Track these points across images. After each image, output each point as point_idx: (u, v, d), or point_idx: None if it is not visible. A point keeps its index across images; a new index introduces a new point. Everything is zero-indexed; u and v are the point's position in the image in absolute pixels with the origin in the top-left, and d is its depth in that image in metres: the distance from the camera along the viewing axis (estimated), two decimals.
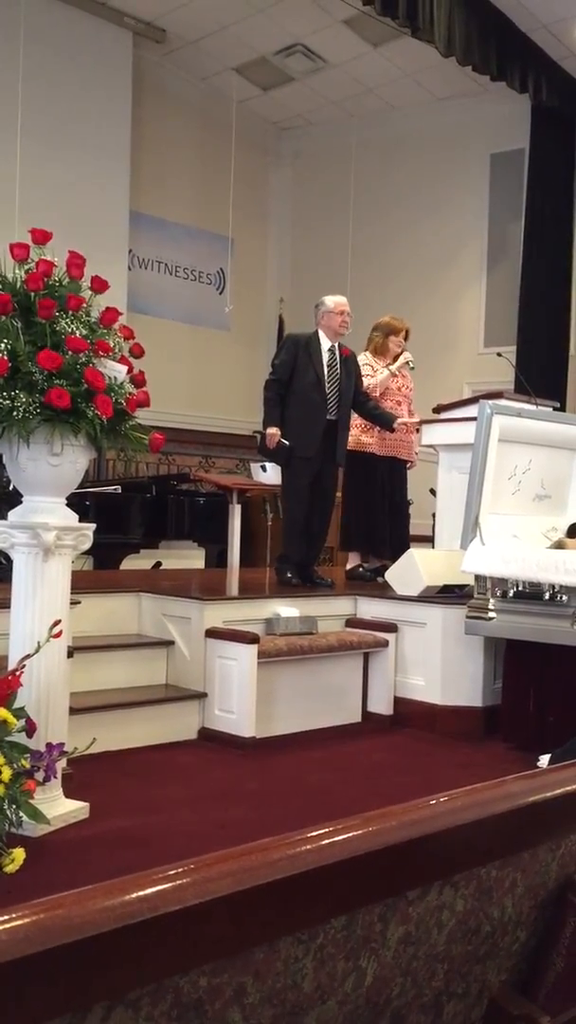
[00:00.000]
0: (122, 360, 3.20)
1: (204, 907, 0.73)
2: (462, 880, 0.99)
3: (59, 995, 0.66)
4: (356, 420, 5.84)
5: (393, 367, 5.98)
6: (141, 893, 0.71)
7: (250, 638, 4.41)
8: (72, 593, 3.42)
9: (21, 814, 2.87)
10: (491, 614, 4.47)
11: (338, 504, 6.10)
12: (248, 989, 0.80)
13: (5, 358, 2.92)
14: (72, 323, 3.04)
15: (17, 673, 3.05)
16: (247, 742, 4.34)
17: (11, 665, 3.13)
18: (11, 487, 3.47)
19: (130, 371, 3.22)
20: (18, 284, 3.04)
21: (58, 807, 3.21)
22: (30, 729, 3.02)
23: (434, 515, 5.93)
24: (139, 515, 7.08)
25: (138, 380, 3.26)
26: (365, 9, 7.95)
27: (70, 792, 3.33)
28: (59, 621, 3.15)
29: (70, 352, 2.99)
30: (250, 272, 11.52)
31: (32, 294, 3.02)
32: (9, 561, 3.33)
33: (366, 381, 5.81)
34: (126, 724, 4.22)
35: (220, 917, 0.75)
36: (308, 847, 0.83)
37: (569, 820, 1.11)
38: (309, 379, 5.39)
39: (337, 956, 0.87)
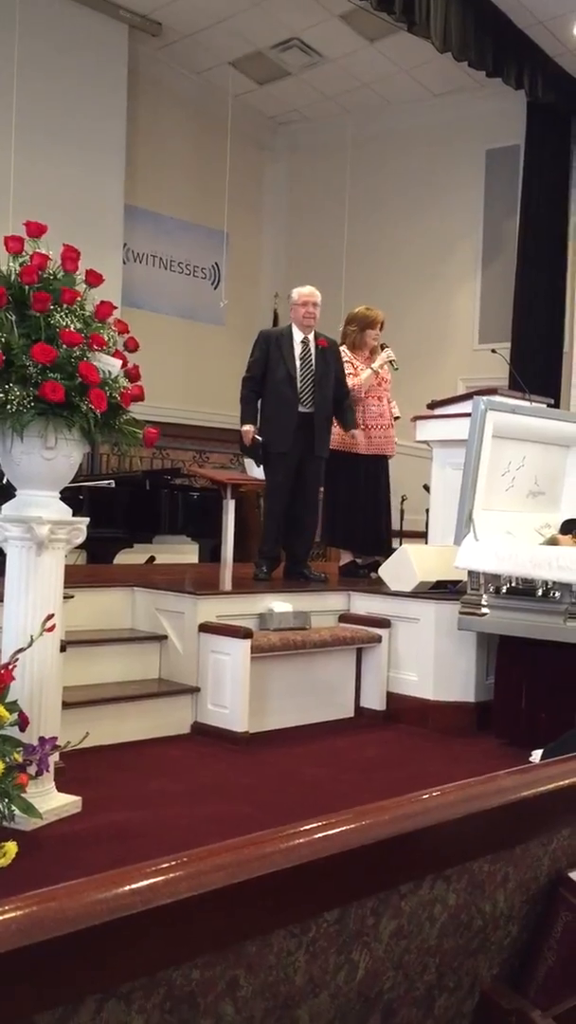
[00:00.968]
0: (116, 354, 3.20)
1: (197, 900, 0.73)
2: (454, 874, 0.99)
3: (51, 988, 0.66)
4: None
5: (375, 365, 5.85)
6: (134, 886, 0.71)
7: (243, 633, 4.41)
8: (65, 587, 3.42)
9: (13, 808, 2.87)
10: (484, 610, 4.48)
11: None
12: (241, 982, 0.80)
13: None
14: (67, 317, 3.03)
15: (10, 667, 3.04)
16: (240, 737, 4.35)
17: (4, 659, 3.13)
18: (4, 481, 3.46)
19: (124, 365, 3.22)
20: (12, 277, 3.04)
21: (50, 801, 3.21)
22: (23, 723, 3.02)
23: (428, 511, 5.93)
24: (133, 509, 7.08)
25: (132, 374, 3.26)
26: (362, 4, 7.94)
27: (63, 786, 3.33)
28: (52, 615, 3.15)
29: (64, 346, 2.98)
30: (245, 267, 11.51)
31: (26, 287, 3.01)
32: (2, 555, 3.32)
33: (349, 381, 5.72)
34: (119, 718, 4.23)
35: (213, 910, 0.75)
36: (301, 841, 0.83)
37: (560, 815, 1.12)
38: (280, 374, 5.36)
39: (329, 949, 0.88)
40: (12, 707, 2.98)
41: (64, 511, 3.26)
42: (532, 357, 9.25)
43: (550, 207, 9.60)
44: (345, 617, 5.16)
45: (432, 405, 5.64)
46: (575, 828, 1.15)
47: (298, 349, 5.42)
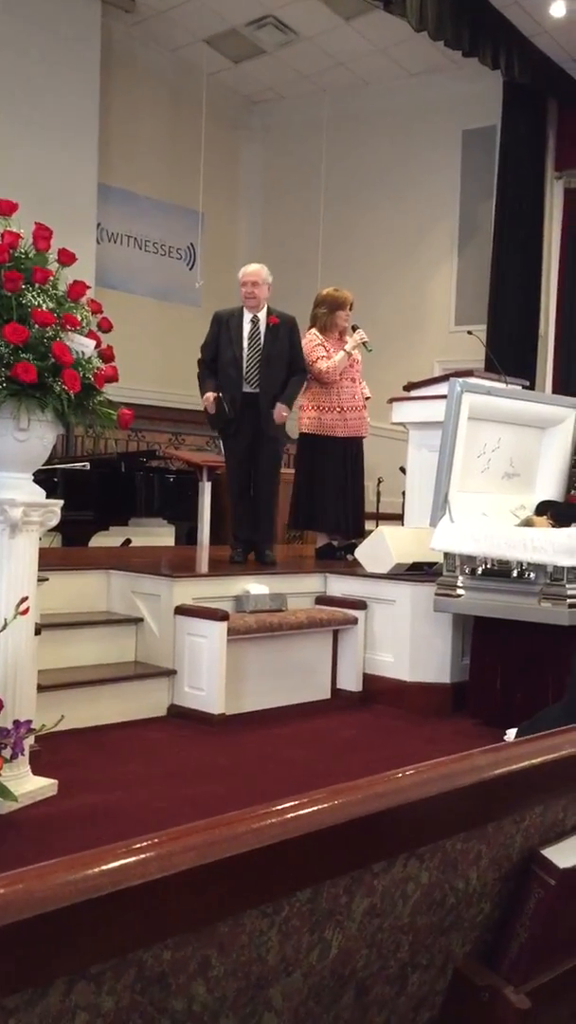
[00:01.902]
0: (90, 334, 3.16)
1: (167, 881, 0.72)
2: (427, 852, 0.99)
3: (20, 970, 0.65)
4: (318, 402, 5.78)
5: (348, 347, 5.78)
6: (103, 867, 0.70)
7: (220, 615, 4.40)
8: (40, 570, 3.39)
9: None
10: (460, 591, 4.49)
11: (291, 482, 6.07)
12: (212, 962, 0.80)
13: None
14: (39, 296, 3.00)
15: None
16: (216, 719, 4.35)
17: None
18: None
19: (98, 345, 3.19)
20: None
21: (26, 784, 3.20)
22: None
23: (404, 493, 5.94)
24: (108, 492, 7.04)
25: (106, 355, 3.23)
26: None
27: (38, 769, 3.32)
28: (26, 598, 3.13)
29: (37, 326, 2.95)
30: (221, 247, 11.44)
31: None
32: None
33: (321, 364, 5.67)
34: (95, 701, 4.21)
35: (183, 891, 0.74)
36: (273, 820, 0.83)
37: (533, 793, 1.12)
38: (227, 355, 5.34)
39: (302, 929, 0.88)
40: None
41: (38, 493, 3.23)
42: (508, 339, 9.27)
43: (526, 188, 9.60)
44: (321, 599, 5.16)
45: (408, 387, 5.64)
46: (548, 806, 1.16)
47: (247, 328, 5.38)
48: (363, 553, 5.19)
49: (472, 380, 4.87)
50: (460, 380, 4.62)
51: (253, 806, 0.84)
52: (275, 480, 5.57)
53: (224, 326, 5.41)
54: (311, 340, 5.78)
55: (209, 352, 5.44)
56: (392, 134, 10.65)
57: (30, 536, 3.23)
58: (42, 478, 3.35)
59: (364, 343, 5.85)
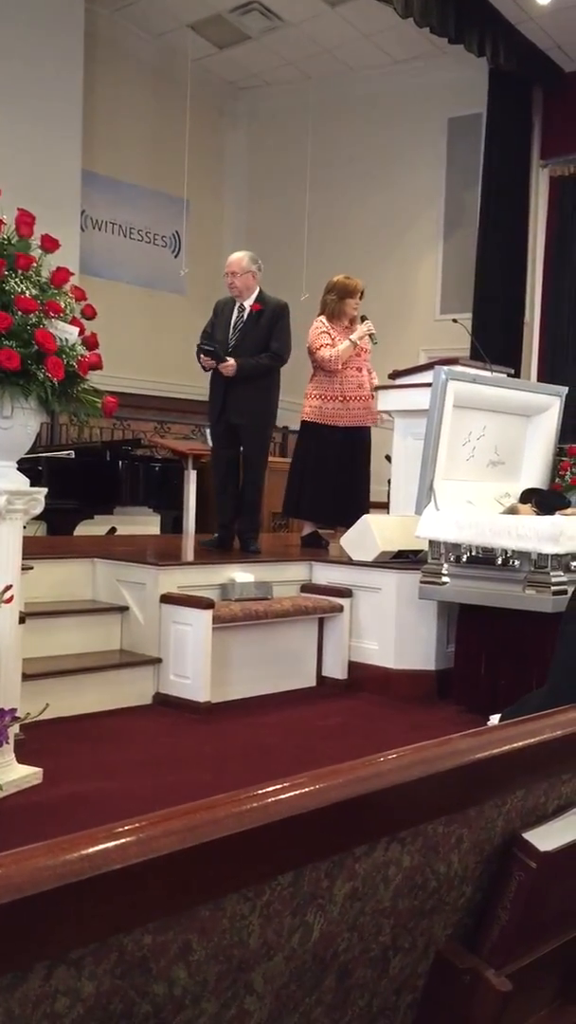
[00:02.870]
0: (73, 322, 3.14)
1: (148, 865, 0.72)
2: (408, 836, 0.99)
3: None
4: (321, 390, 5.75)
5: (354, 337, 5.73)
6: (83, 852, 0.70)
7: (205, 603, 4.40)
8: (25, 559, 3.38)
9: None
10: (445, 579, 4.51)
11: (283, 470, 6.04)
12: (194, 946, 0.80)
13: None
14: (22, 283, 2.97)
15: None
16: (202, 707, 4.35)
17: None
18: None
19: (82, 333, 3.17)
20: None
21: (10, 773, 3.20)
22: None
23: (389, 481, 5.94)
24: (93, 480, 7.02)
25: (90, 342, 3.21)
26: None
27: (23, 758, 3.32)
28: (10, 586, 3.12)
29: (20, 312, 2.93)
30: (206, 235, 11.39)
31: None
32: None
33: (324, 352, 5.66)
34: (80, 690, 4.21)
35: (164, 875, 0.74)
36: (254, 805, 0.83)
37: (514, 776, 1.12)
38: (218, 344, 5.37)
39: (284, 912, 0.88)
40: None
41: (21, 481, 3.22)
42: (493, 327, 9.27)
43: (512, 176, 9.59)
44: (307, 587, 5.17)
45: (394, 375, 5.63)
46: (529, 789, 1.16)
47: (235, 316, 5.42)
48: (348, 541, 5.20)
49: (457, 368, 4.87)
50: (445, 368, 4.63)
51: (233, 791, 0.85)
52: (259, 469, 5.54)
53: (219, 314, 5.47)
54: (317, 327, 5.77)
55: (205, 339, 5.47)
56: (377, 121, 10.62)
57: (14, 524, 3.22)
58: (27, 466, 3.33)
59: (371, 335, 5.79)
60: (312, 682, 5.04)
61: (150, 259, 10.89)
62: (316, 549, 5.80)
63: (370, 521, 5.13)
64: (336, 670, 5.04)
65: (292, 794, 0.86)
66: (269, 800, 0.84)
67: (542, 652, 4.26)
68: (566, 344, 9.48)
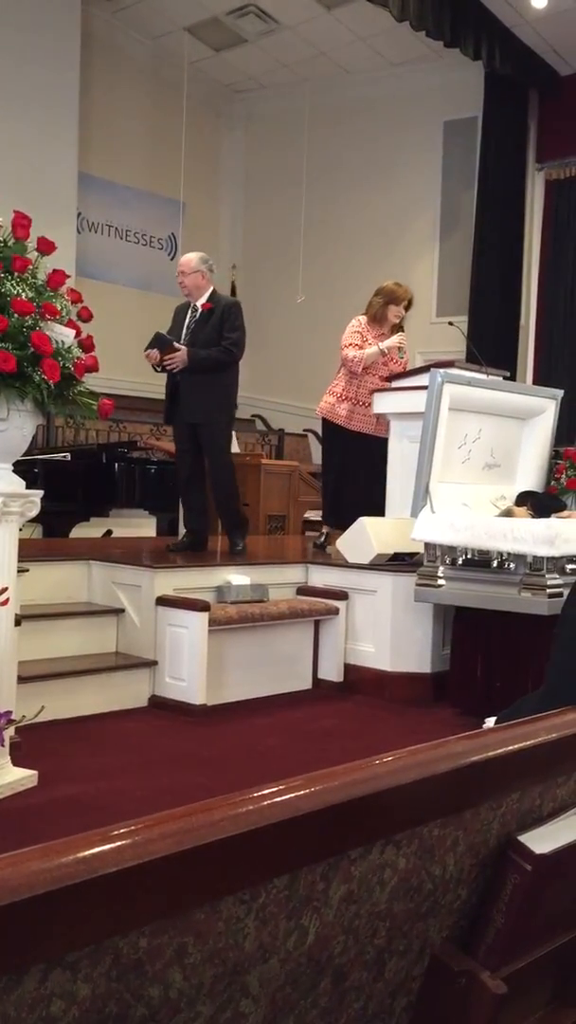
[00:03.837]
0: (70, 324, 3.14)
1: (143, 868, 0.72)
2: (404, 839, 1.00)
3: None
4: (338, 389, 5.71)
5: (383, 345, 5.61)
6: (78, 855, 0.70)
7: (201, 606, 4.40)
8: (21, 561, 3.38)
9: None
10: (440, 582, 4.51)
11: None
12: (189, 949, 0.80)
13: None
14: (18, 285, 2.97)
15: None
16: (198, 709, 4.35)
17: None
18: None
19: (78, 335, 3.17)
20: None
21: (6, 775, 3.19)
22: None
23: (385, 483, 5.93)
24: (89, 483, 7.01)
25: (86, 344, 3.21)
26: None
27: (18, 760, 3.31)
28: (6, 589, 3.12)
29: (16, 315, 2.93)
30: (202, 237, 11.38)
31: None
32: None
33: (349, 352, 5.58)
34: (76, 692, 4.21)
35: (160, 878, 0.74)
36: (250, 807, 0.83)
37: (510, 779, 1.13)
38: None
39: (279, 915, 0.88)
40: None
41: (17, 483, 3.22)
42: (489, 330, 9.29)
43: (507, 179, 9.61)
44: (303, 589, 5.17)
45: (389, 378, 5.64)
46: (524, 792, 1.16)
47: (187, 318, 5.41)
48: (344, 544, 5.20)
49: (453, 371, 4.88)
50: (441, 371, 4.63)
51: (229, 793, 0.85)
52: (223, 468, 5.38)
53: (175, 319, 5.47)
54: (353, 326, 5.69)
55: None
56: (374, 124, 10.63)
57: (10, 526, 3.22)
58: (23, 469, 3.33)
59: (400, 346, 5.70)
60: (308, 684, 5.03)
61: (146, 261, 10.90)
62: (315, 551, 5.78)
63: (366, 523, 5.13)
64: (332, 672, 5.04)
65: (287, 797, 0.86)
66: (265, 803, 0.84)
67: (538, 655, 4.26)
68: (562, 347, 9.50)
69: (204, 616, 4.37)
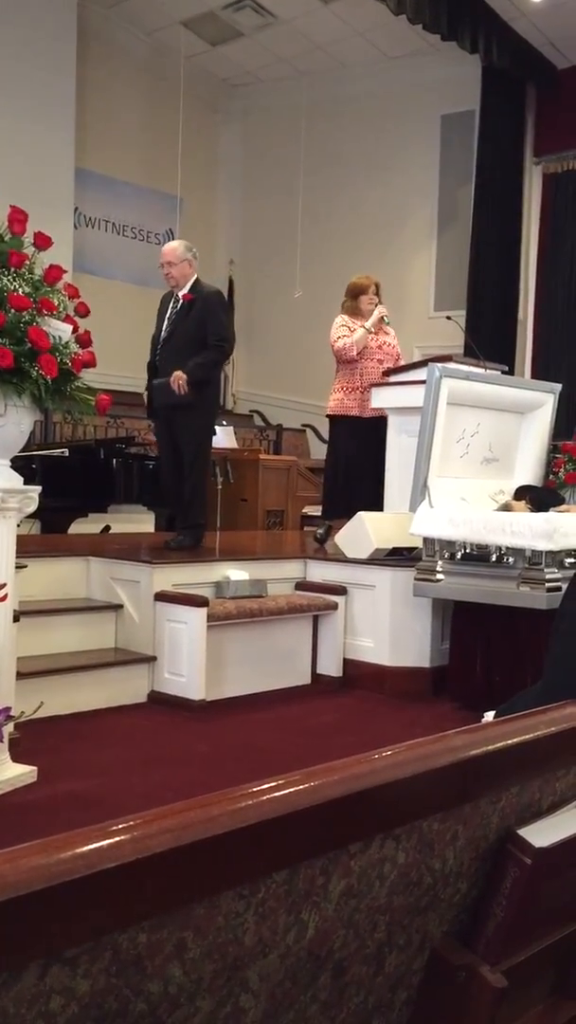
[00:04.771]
0: (67, 319, 3.14)
1: (142, 863, 0.72)
2: (404, 833, 0.99)
3: None
4: (343, 383, 5.77)
5: (368, 324, 5.75)
6: (77, 850, 0.70)
7: (199, 601, 4.40)
8: (19, 557, 3.38)
9: None
10: (439, 576, 4.51)
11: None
12: (188, 944, 0.80)
13: None
14: (14, 280, 2.97)
15: None
16: (197, 705, 4.35)
17: None
18: None
19: (75, 330, 3.16)
20: None
21: (5, 771, 3.20)
22: None
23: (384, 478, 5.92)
24: (87, 478, 7.01)
25: (83, 340, 3.21)
26: None
27: (17, 756, 3.31)
28: (4, 585, 3.11)
29: (13, 310, 2.92)
30: (199, 232, 11.34)
31: None
32: None
33: (342, 341, 5.69)
34: (75, 688, 4.20)
35: (159, 873, 0.74)
36: (249, 802, 0.83)
37: (510, 773, 1.12)
38: (154, 337, 5.28)
39: (279, 910, 0.88)
40: None
41: (15, 479, 3.21)
42: (487, 324, 9.28)
43: (505, 173, 9.60)
44: (301, 585, 5.17)
45: (387, 372, 5.64)
46: (524, 786, 1.16)
47: (170, 308, 5.29)
48: (343, 538, 5.20)
49: (451, 365, 4.87)
50: (439, 365, 4.63)
51: (228, 788, 0.84)
52: (195, 459, 5.28)
53: (159, 311, 5.36)
54: (338, 322, 5.82)
55: (155, 332, 5.34)
56: (371, 118, 10.61)
57: (8, 522, 3.21)
58: (20, 465, 3.33)
59: (383, 317, 5.82)
60: (307, 680, 5.03)
61: (143, 256, 10.87)
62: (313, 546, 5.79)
63: (365, 518, 5.13)
64: (331, 667, 5.04)
65: (287, 791, 0.86)
66: (264, 797, 0.84)
67: (536, 649, 4.26)
68: (560, 341, 9.50)
69: (203, 612, 4.37)
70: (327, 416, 5.97)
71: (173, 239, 11.07)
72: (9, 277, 2.96)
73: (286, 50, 10.36)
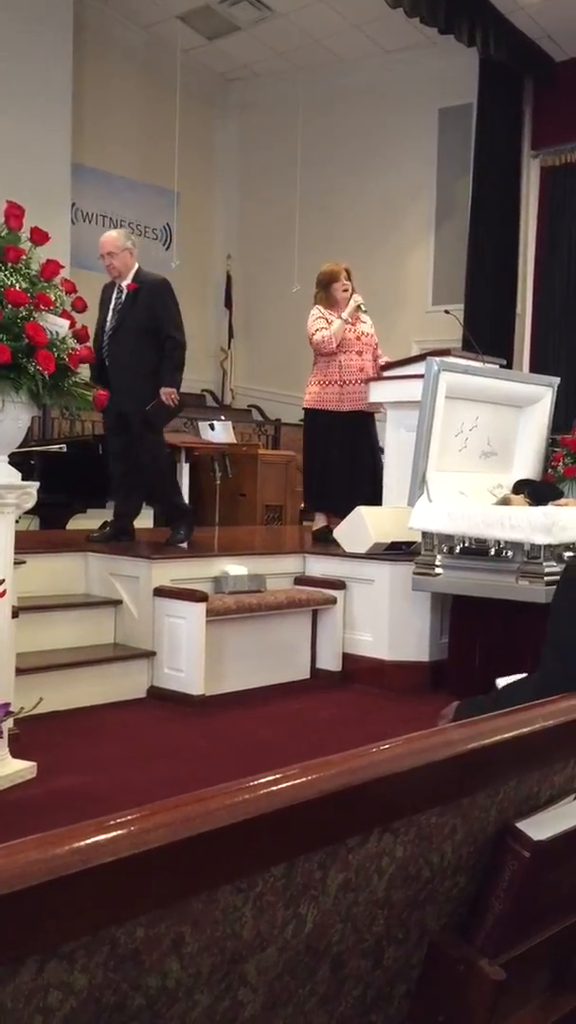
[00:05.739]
0: (64, 314, 3.13)
1: (140, 858, 0.72)
2: (402, 827, 0.99)
3: None
4: (319, 376, 5.71)
5: (344, 315, 5.66)
6: (74, 845, 0.70)
7: (198, 596, 4.40)
8: (17, 553, 3.38)
9: None
10: (438, 570, 4.51)
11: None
12: (186, 939, 0.80)
13: None
14: (11, 275, 2.96)
15: None
16: (196, 700, 4.35)
17: None
18: None
19: (72, 326, 3.16)
20: None
21: (5, 767, 3.20)
22: None
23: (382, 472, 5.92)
24: (85, 474, 7.00)
25: (81, 335, 3.20)
26: None
27: (17, 752, 3.32)
28: (3, 580, 3.11)
29: (10, 305, 2.92)
30: (197, 227, 11.35)
31: None
32: None
33: (321, 334, 5.62)
34: (74, 684, 4.21)
35: (156, 867, 0.74)
36: (247, 796, 0.83)
37: (507, 766, 1.12)
38: (98, 330, 5.09)
39: (277, 904, 0.88)
40: None
41: (13, 475, 3.21)
42: (485, 318, 9.26)
43: (503, 166, 9.57)
44: (300, 579, 5.17)
45: (385, 367, 5.63)
46: (522, 779, 1.16)
47: (114, 299, 5.16)
48: (342, 533, 5.20)
49: (449, 359, 4.87)
50: (437, 359, 4.62)
51: (226, 782, 0.84)
52: (152, 453, 5.18)
53: (102, 302, 5.18)
54: (314, 314, 5.73)
55: (99, 327, 5.13)
56: (368, 112, 10.58)
57: (6, 518, 3.21)
58: (18, 460, 3.33)
59: (359, 306, 5.73)
60: (306, 674, 5.04)
61: (141, 251, 10.79)
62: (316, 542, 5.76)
63: (363, 513, 5.13)
64: (330, 662, 5.05)
65: (285, 785, 0.86)
66: (262, 792, 0.84)
67: (535, 642, 4.26)
68: (558, 334, 9.48)
69: (202, 607, 4.37)
70: (303, 409, 5.85)
71: (171, 234, 11.09)
72: (6, 272, 2.95)
73: (283, 44, 10.33)
